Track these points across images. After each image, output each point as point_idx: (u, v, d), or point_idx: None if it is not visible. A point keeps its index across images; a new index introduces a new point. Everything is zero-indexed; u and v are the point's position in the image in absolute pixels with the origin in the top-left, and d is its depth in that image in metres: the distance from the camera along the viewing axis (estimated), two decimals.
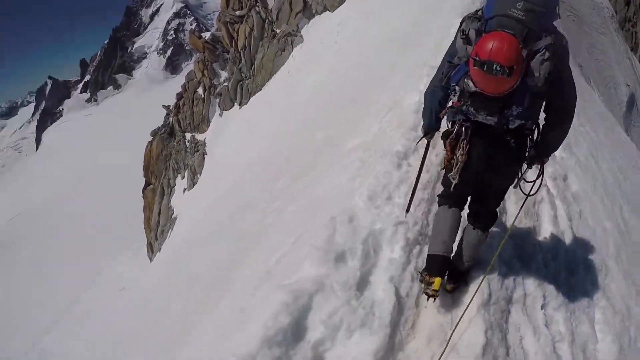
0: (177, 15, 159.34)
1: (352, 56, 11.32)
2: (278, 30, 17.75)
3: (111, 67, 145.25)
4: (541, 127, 2.01)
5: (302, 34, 16.38)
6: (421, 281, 2.22)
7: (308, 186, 4.78)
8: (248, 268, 3.66)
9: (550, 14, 1.74)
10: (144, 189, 29.00)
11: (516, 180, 2.14)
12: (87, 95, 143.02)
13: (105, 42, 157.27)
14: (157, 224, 25.56)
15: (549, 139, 2.01)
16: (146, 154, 29.48)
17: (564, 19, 19.66)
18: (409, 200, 2.69)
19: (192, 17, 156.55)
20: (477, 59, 1.66)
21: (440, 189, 2.41)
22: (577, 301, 2.50)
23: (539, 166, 2.16)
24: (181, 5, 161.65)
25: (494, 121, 1.84)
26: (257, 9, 21.74)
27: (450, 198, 2.27)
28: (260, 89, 16.71)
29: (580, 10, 22.56)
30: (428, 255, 2.24)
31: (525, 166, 2.12)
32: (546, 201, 3.14)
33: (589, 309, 2.51)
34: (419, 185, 2.67)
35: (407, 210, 2.71)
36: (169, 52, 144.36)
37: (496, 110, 1.80)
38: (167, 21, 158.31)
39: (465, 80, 1.82)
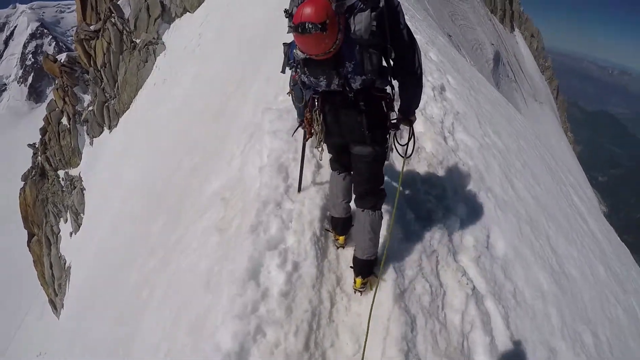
0: (33, 36, 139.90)
1: (215, 60, 10.50)
2: (138, 41, 16.04)
3: None
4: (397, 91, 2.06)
5: (164, 41, 14.99)
6: (330, 233, 2.62)
7: (177, 244, 4.16)
8: None
9: None
10: (29, 242, 26.03)
11: (387, 151, 2.18)
12: None
13: None
14: (52, 277, 22.75)
15: (405, 96, 2.10)
16: (21, 203, 26.06)
17: None
18: (299, 180, 2.85)
19: (50, 37, 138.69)
20: (292, 25, 1.71)
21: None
22: None
23: (409, 127, 2.24)
24: (36, 25, 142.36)
25: (335, 84, 1.90)
26: (112, 20, 19.50)
27: (338, 161, 2.44)
28: (128, 107, 14.94)
29: None
30: (331, 217, 2.58)
31: (392, 135, 2.17)
32: (474, 316, 2.32)
33: None
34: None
35: (300, 190, 2.88)
36: (30, 79, 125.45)
37: (331, 70, 1.84)
38: (24, 45, 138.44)
39: (295, 51, 1.88)
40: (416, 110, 2.21)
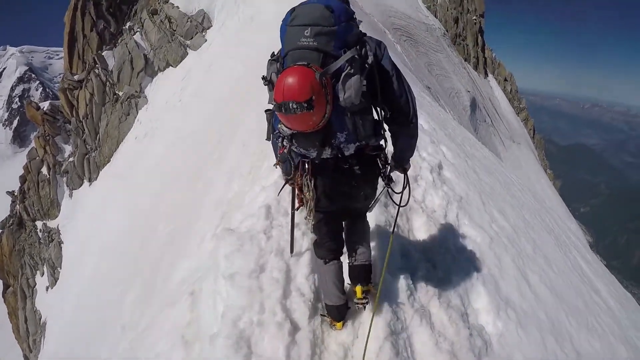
0: (21, 80, 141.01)
1: (194, 117, 10.63)
2: (120, 93, 16.21)
3: None
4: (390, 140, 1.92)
5: (146, 94, 15.17)
6: (327, 318, 2.38)
7: (145, 335, 3.72)
8: None
9: (345, 28, 1.57)
10: (4, 292, 24.75)
11: (372, 202, 2.10)
12: None
13: None
14: (27, 332, 21.69)
15: (400, 146, 1.93)
16: None
17: (403, 44, 21.89)
18: (290, 241, 2.66)
19: (38, 82, 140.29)
20: (275, 103, 1.52)
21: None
22: None
23: (404, 175, 2.09)
24: (25, 69, 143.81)
25: (327, 154, 1.75)
26: (96, 71, 19.79)
27: (323, 247, 2.22)
28: (109, 161, 14.87)
29: (415, 34, 25.47)
30: (326, 304, 2.32)
31: (380, 187, 2.09)
32: None
33: None
34: None
35: (292, 251, 2.68)
36: (15, 122, 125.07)
37: (320, 144, 1.67)
38: (11, 87, 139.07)
39: (279, 125, 1.68)
40: (411, 163, 2.15)
